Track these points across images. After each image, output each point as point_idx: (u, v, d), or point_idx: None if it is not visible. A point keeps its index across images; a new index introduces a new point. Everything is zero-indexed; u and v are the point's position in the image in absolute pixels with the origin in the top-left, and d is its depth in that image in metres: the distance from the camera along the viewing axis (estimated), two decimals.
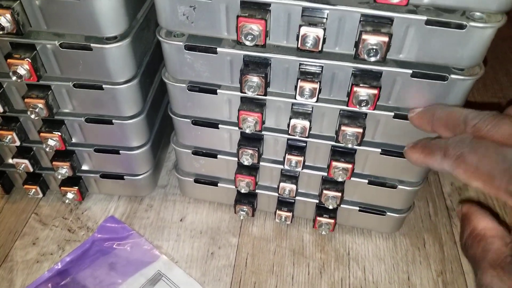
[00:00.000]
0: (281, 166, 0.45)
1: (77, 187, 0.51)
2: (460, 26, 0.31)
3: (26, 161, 0.49)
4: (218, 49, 0.37)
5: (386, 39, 0.31)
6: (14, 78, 0.39)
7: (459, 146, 0.30)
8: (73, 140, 0.48)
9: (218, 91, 0.41)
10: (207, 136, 0.45)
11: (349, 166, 0.41)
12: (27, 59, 0.39)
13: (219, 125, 0.44)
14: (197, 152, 0.48)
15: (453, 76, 0.34)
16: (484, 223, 0.29)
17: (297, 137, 0.41)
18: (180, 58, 0.39)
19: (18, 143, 0.46)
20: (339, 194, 0.45)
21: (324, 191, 0.45)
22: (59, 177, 0.49)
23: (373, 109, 0.36)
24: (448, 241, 0.50)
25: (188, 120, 0.44)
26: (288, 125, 0.40)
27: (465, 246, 0.29)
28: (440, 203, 0.54)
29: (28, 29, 0.38)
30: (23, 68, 0.39)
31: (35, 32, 0.39)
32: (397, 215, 0.47)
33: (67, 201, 0.51)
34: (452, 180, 0.57)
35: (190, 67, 0.39)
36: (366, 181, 0.45)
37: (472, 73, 0.34)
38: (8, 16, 0.35)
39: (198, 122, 0.44)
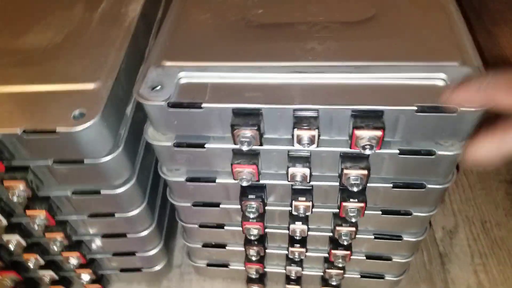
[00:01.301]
0: (286, 252, 0.50)
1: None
2: (429, 153, 0.35)
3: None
4: (217, 180, 0.41)
5: (365, 172, 0.35)
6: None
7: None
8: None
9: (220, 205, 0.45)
10: (215, 235, 0.50)
11: (347, 252, 0.46)
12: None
13: (225, 227, 0.48)
14: (207, 244, 0.52)
15: (430, 186, 0.38)
16: None
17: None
18: (182, 187, 0.42)
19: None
20: (341, 271, 0.49)
21: (327, 270, 0.49)
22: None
23: (362, 216, 0.40)
24: None
25: (196, 225, 0.48)
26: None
27: None
28: (433, 251, 0.59)
29: None
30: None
31: None
32: (394, 279, 0.52)
33: None
34: (443, 224, 0.61)
35: (191, 193, 0.43)
36: (364, 257, 0.49)
37: (446, 181, 0.38)
38: None
39: (207, 226, 0.48)
